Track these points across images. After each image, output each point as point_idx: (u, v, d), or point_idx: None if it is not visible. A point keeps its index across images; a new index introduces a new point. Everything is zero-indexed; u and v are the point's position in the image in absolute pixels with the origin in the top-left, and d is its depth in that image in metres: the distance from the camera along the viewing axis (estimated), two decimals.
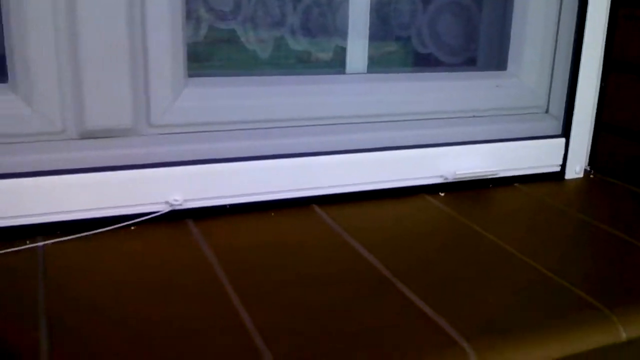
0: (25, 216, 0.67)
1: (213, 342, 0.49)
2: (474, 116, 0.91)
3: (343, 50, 0.90)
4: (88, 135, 0.71)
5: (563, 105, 0.94)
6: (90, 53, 0.67)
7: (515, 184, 0.91)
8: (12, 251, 0.63)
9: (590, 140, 0.98)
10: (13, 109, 0.68)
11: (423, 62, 1.00)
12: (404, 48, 0.99)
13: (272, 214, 0.76)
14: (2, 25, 0.67)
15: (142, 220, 0.70)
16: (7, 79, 0.69)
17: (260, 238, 0.69)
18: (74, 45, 0.67)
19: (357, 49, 0.90)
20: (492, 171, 0.89)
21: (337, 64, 0.92)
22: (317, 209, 0.79)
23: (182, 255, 0.64)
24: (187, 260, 0.63)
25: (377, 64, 0.94)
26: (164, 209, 0.72)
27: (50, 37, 0.66)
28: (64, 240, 0.66)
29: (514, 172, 0.91)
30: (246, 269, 0.61)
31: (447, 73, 0.93)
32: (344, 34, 0.91)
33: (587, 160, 0.99)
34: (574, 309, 0.57)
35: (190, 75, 0.76)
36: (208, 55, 0.91)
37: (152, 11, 0.70)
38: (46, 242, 0.65)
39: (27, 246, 0.64)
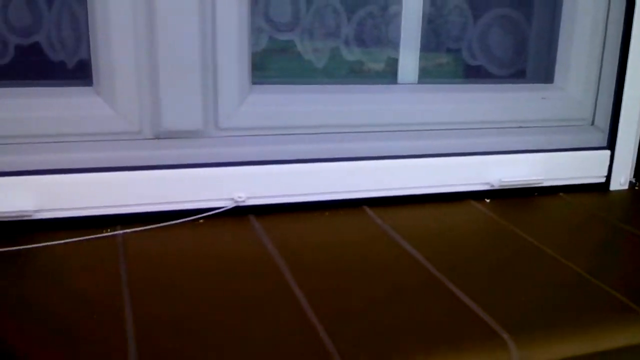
0: (106, 207, 0.74)
1: (274, 317, 0.55)
2: (520, 127, 0.95)
3: (395, 61, 0.96)
4: (162, 136, 0.78)
5: (609, 117, 0.96)
6: (167, 60, 0.74)
7: (560, 194, 0.95)
8: (95, 237, 0.70)
9: (636, 152, 1.00)
10: (97, 110, 0.75)
11: (472, 74, 1.04)
12: (454, 60, 1.04)
13: (326, 213, 0.82)
14: (88, 34, 0.75)
15: (209, 215, 0.77)
16: (91, 82, 0.76)
17: (316, 234, 0.75)
18: (153, 53, 0.74)
19: (409, 60, 0.95)
20: (537, 180, 0.92)
21: (389, 74, 0.97)
22: (367, 210, 0.84)
23: (246, 247, 0.70)
24: (250, 252, 0.69)
25: (427, 75, 0.99)
26: (229, 205, 0.78)
27: (131, 45, 0.74)
28: (141, 230, 0.73)
29: (559, 182, 0.95)
30: (304, 260, 0.67)
31: (495, 85, 0.97)
32: (396, 45, 0.96)
33: (633, 172, 1.01)
34: (609, 308, 0.61)
35: (254, 83, 0.82)
36: (267, 65, 0.97)
37: (222, 22, 0.76)
38: (125, 230, 0.72)
39: (108, 234, 0.71)
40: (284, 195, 0.81)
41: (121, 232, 0.72)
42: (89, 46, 0.75)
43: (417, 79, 0.95)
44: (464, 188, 0.90)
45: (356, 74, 1.00)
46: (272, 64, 0.98)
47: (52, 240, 0.68)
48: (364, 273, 0.66)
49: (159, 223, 0.74)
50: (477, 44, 1.03)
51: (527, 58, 1.05)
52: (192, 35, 0.75)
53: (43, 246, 0.67)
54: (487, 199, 0.90)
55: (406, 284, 0.64)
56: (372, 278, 0.65)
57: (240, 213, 0.79)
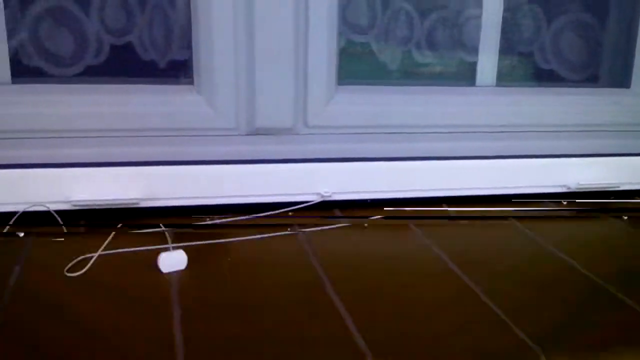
0: (203, 197, 0.79)
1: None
2: (596, 130, 0.96)
3: (474, 64, 0.98)
4: (256, 132, 0.82)
5: None
6: (263, 62, 0.79)
7: (637, 198, 0.95)
8: (197, 225, 0.75)
9: None
10: (197, 107, 0.81)
11: (545, 77, 1.06)
12: (527, 64, 1.05)
13: (407, 209, 0.85)
14: (190, 36, 0.80)
15: (298, 208, 0.81)
16: (192, 81, 0.82)
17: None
18: (250, 55, 0.79)
19: (487, 63, 0.97)
20: (614, 184, 0.93)
21: (467, 76, 0.99)
22: (447, 208, 0.87)
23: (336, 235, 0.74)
24: (342, 241, 0.73)
25: (502, 78, 1.01)
26: (316, 199, 0.82)
27: (230, 48, 0.79)
28: (235, 220, 0.78)
29: (635, 186, 0.95)
30: (391, 248, 0.71)
31: (572, 89, 0.99)
32: (474, 49, 0.98)
33: None
34: None
35: (338, 84, 0.86)
36: (345, 66, 1.00)
37: (314, 26, 0.81)
38: (222, 220, 0.77)
39: (210, 222, 0.77)
40: (366, 192, 0.85)
41: (218, 221, 0.77)
42: (189, 48, 0.81)
43: (495, 82, 0.97)
44: (542, 190, 0.91)
45: (434, 76, 1.02)
46: (351, 65, 1.01)
47: (157, 227, 0.73)
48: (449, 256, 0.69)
49: (251, 214, 0.79)
50: (549, 48, 1.04)
51: (600, 62, 1.05)
52: (287, 39, 0.79)
53: (151, 232, 0.73)
54: (564, 200, 0.92)
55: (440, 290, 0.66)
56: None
57: (326, 207, 0.83)
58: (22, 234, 0.71)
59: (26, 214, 0.72)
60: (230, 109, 0.81)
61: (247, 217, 0.79)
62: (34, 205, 0.73)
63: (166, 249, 0.66)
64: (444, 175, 0.87)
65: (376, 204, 0.85)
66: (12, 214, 0.72)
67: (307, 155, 0.83)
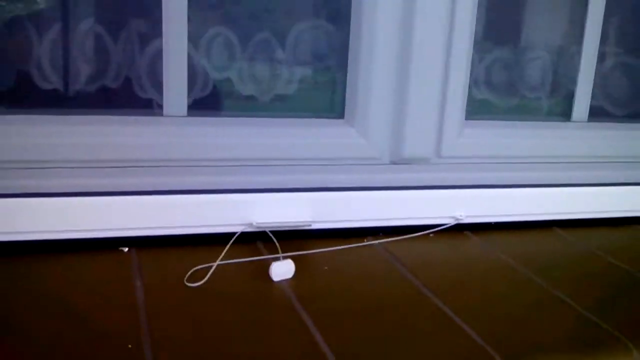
0: (361, 220, 0.88)
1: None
2: None
3: (570, 99, 1.07)
4: (398, 162, 0.92)
5: None
6: (413, 100, 0.89)
7: None
8: (359, 245, 0.85)
9: None
10: (349, 139, 0.90)
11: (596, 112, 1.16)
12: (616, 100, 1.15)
13: (520, 232, 0.96)
14: (346, 77, 0.89)
15: (437, 230, 0.91)
16: (342, 115, 0.91)
17: (521, 247, 0.89)
18: (403, 94, 0.89)
19: (582, 99, 1.08)
20: None
21: (564, 111, 1.09)
22: (558, 230, 0.98)
23: (475, 254, 0.84)
24: (482, 259, 0.83)
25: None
26: (452, 222, 0.92)
27: (386, 89, 0.88)
28: (389, 240, 0.87)
29: None
30: (535, 263, 0.81)
31: None
32: (572, 85, 1.07)
33: None
34: None
35: (466, 119, 0.96)
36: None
37: (455, 68, 0.91)
38: (379, 240, 0.86)
39: (366, 243, 0.86)
40: (492, 215, 0.95)
41: (376, 241, 0.86)
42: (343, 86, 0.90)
43: (587, 117, 1.09)
44: (631, 214, 1.03)
45: (537, 111, 1.10)
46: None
47: (327, 247, 0.82)
48: (558, 280, 0.79)
49: (397, 236, 0.88)
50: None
51: None
52: (435, 80, 0.89)
53: (323, 251, 0.82)
54: None
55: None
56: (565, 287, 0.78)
57: (459, 229, 0.93)
58: (126, 249, 0.78)
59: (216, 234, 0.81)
60: (378, 140, 0.90)
61: (396, 238, 0.88)
62: (244, 227, 0.81)
63: (276, 259, 0.75)
64: (553, 200, 0.98)
65: (501, 227, 0.95)
66: (230, 234, 0.81)
67: (441, 183, 0.93)
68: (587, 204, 1.00)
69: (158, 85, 0.83)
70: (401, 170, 0.92)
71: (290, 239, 0.83)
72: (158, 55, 0.82)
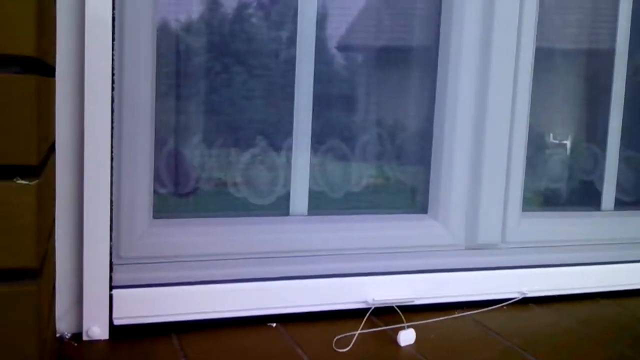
0: (441, 297, 1.07)
1: None
2: None
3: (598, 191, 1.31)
4: (471, 247, 1.12)
5: None
6: (485, 194, 1.10)
7: None
8: (452, 317, 1.03)
9: None
10: (432, 230, 1.10)
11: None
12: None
13: (573, 303, 1.15)
14: (429, 174, 1.11)
15: (508, 304, 1.10)
16: (426, 210, 1.12)
17: (581, 314, 1.08)
18: (476, 191, 1.10)
19: (608, 190, 1.31)
20: None
21: (592, 201, 1.32)
22: (601, 300, 1.17)
23: (547, 322, 1.03)
24: (554, 325, 1.02)
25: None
26: (519, 296, 1.12)
27: (464, 189, 1.10)
28: (474, 313, 1.06)
29: None
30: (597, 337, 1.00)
31: None
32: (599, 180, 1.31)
33: None
34: None
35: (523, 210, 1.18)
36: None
37: (515, 163, 1.13)
38: (471, 312, 1.05)
39: (457, 315, 1.04)
40: (555, 290, 1.15)
41: (468, 313, 1.05)
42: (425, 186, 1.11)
43: (613, 207, 1.31)
44: None
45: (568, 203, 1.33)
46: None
47: (427, 319, 1.01)
48: None
49: (478, 309, 1.07)
50: None
51: None
52: (500, 176, 1.11)
53: (426, 322, 1.00)
54: None
55: None
56: None
57: (524, 302, 1.12)
58: (274, 324, 0.96)
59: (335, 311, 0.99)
60: (456, 230, 1.11)
61: (478, 310, 1.07)
62: (363, 304, 0.99)
63: (402, 328, 0.93)
64: (599, 275, 1.19)
65: (563, 299, 1.15)
66: (348, 310, 0.99)
67: (506, 264, 1.13)
68: (627, 278, 1.21)
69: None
70: (472, 255, 1.12)
71: (393, 313, 1.01)
72: None
